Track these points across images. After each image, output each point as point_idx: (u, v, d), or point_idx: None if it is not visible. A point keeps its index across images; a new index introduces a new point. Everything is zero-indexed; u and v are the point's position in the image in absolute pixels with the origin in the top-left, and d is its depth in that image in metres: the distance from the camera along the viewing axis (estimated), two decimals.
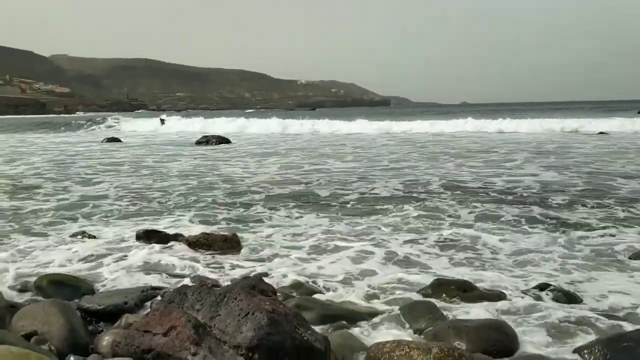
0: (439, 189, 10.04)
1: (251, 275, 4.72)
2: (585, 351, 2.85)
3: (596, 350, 2.80)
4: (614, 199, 8.61)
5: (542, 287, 4.21)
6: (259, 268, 5.16)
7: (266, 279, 4.67)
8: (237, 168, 14.21)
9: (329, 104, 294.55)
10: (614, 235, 6.28)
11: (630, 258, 5.28)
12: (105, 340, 2.85)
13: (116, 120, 44.54)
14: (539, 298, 4.13)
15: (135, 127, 40.49)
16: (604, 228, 6.72)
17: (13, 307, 3.39)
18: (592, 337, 3.27)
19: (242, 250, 5.79)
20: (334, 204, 8.73)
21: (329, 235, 6.51)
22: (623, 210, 7.66)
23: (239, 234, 6.31)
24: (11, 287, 4.47)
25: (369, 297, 4.41)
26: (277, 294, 4.07)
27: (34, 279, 4.53)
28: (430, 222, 7.23)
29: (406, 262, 5.41)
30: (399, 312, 3.93)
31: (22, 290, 4.40)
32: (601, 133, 25.45)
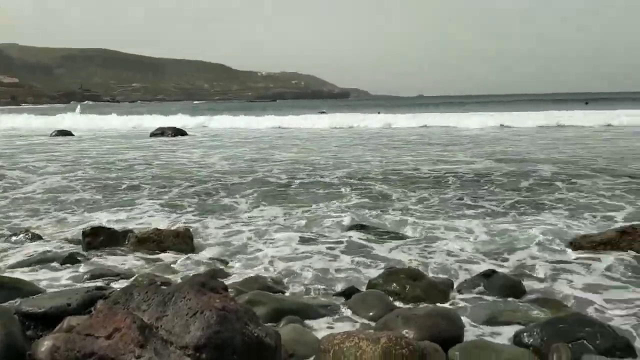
0: (381, 176, 10.43)
1: (202, 272, 4.67)
2: (524, 334, 2.96)
3: (534, 333, 2.91)
4: (542, 184, 9.18)
5: (488, 274, 4.33)
6: (211, 264, 5.11)
7: (219, 275, 4.66)
8: (188, 159, 14.09)
9: (289, 95, 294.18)
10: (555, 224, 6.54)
11: (571, 244, 5.47)
12: (44, 345, 2.74)
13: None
14: (484, 285, 4.25)
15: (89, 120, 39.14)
16: (547, 210, 7.08)
17: None
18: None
19: (195, 246, 5.73)
20: (284, 194, 8.81)
21: (279, 227, 6.54)
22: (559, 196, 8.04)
23: (193, 226, 6.25)
24: None
25: (321, 289, 4.45)
26: (230, 290, 4.05)
27: None
28: (375, 209, 7.41)
29: (356, 252, 5.49)
30: (350, 303, 3.98)
31: None
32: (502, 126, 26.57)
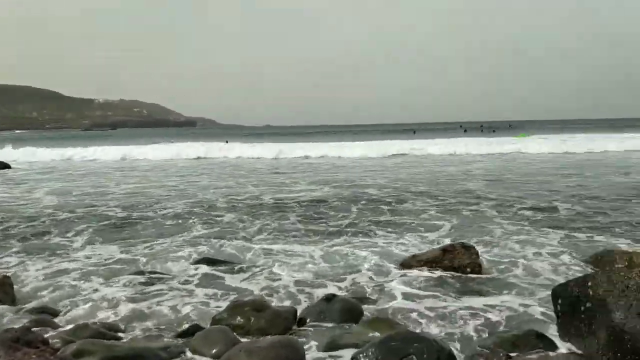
0: (226, 205, 10.51)
1: (25, 323, 4.16)
2: (360, 355, 3.11)
3: (369, 354, 3.08)
4: (370, 208, 9.94)
5: (328, 298, 4.50)
6: (36, 313, 4.58)
7: (45, 325, 4.19)
8: (11, 195, 12.67)
9: (131, 124, 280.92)
10: (391, 243, 7.07)
11: (401, 265, 5.93)
12: None
13: None
14: (325, 310, 4.40)
15: None
16: (376, 233, 7.64)
17: None
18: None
19: (16, 295, 5.10)
20: (123, 229, 8.35)
21: (117, 265, 6.16)
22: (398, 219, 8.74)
23: (14, 271, 5.59)
24: None
25: (163, 330, 4.24)
26: (55, 340, 3.66)
27: None
28: (222, 240, 7.39)
29: (203, 286, 5.35)
30: (193, 342, 3.84)
31: None
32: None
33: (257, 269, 5.95)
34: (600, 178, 14.49)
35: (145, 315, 4.57)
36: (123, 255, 6.65)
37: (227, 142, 39.76)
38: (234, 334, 3.91)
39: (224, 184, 14.63)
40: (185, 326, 4.22)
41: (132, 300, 4.91)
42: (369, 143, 33.15)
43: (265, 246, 6.94)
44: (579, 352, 3.31)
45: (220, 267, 5.95)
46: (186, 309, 4.72)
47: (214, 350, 3.65)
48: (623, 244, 6.76)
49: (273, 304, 4.61)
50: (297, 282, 5.42)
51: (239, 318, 4.21)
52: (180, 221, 8.93)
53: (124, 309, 4.70)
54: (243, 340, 3.84)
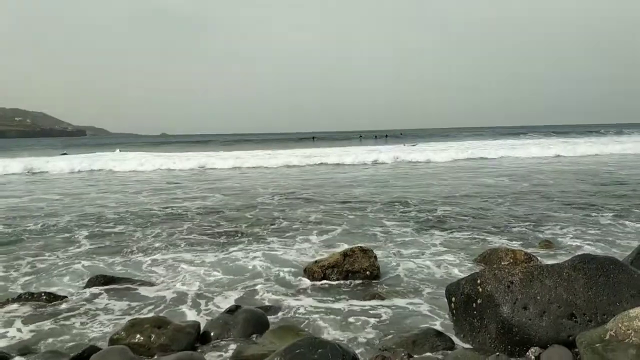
0: (117, 217, 10.11)
1: None
2: None
3: None
4: (262, 215, 10.01)
5: (232, 309, 4.42)
6: None
7: None
8: None
9: (13, 134, 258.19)
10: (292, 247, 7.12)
11: (305, 271, 5.99)
12: None
13: None
14: (230, 321, 4.33)
15: None
16: (271, 239, 7.70)
17: None
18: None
19: None
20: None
21: None
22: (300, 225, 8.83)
23: None
24: None
25: (55, 355, 3.93)
26: None
27: None
28: (114, 254, 7.06)
29: (95, 306, 5.04)
30: None
31: None
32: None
33: (156, 283, 5.72)
34: (473, 180, 15.72)
35: (35, 340, 4.22)
36: (4, 273, 6.10)
37: (119, 150, 38.11)
38: (134, 353, 3.72)
39: (114, 196, 13.95)
40: (80, 350, 3.94)
41: (23, 323, 4.53)
42: (265, 152, 33.30)
43: (159, 257, 6.74)
44: (474, 346, 3.53)
45: (114, 285, 5.63)
46: (80, 330, 4.43)
47: None
48: (499, 243, 7.33)
49: (174, 320, 4.45)
50: (198, 295, 5.29)
51: (138, 336, 4.01)
52: (67, 235, 8.37)
53: (13, 334, 4.32)
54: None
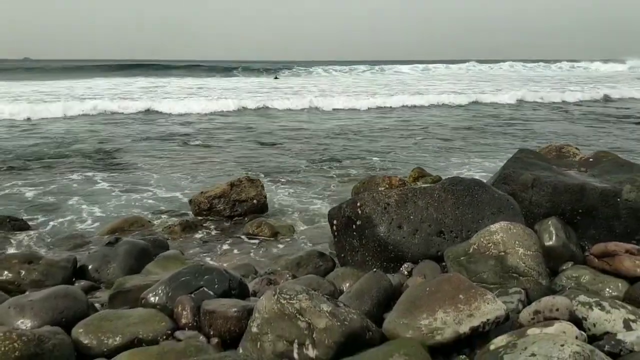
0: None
1: None
2: (150, 295, 3.03)
3: (159, 292, 3.02)
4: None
5: (112, 242, 4.25)
6: None
7: None
8: None
9: None
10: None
11: (189, 202, 5.90)
12: None
13: None
14: (111, 255, 4.17)
15: None
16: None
17: None
18: None
19: None
20: None
21: None
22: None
23: None
24: None
25: None
26: None
27: None
28: None
29: None
30: None
31: None
32: None
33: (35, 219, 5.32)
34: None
35: None
36: None
37: None
38: (1, 291, 3.47)
39: None
40: None
41: None
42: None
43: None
44: (353, 265, 3.74)
45: None
46: None
47: None
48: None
49: (47, 255, 4.19)
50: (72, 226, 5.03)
51: (6, 273, 3.75)
52: None
53: None
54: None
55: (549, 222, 3.64)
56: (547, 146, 5.91)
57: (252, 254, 4.56)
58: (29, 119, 14.65)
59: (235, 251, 4.65)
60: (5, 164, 8.28)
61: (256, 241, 4.90)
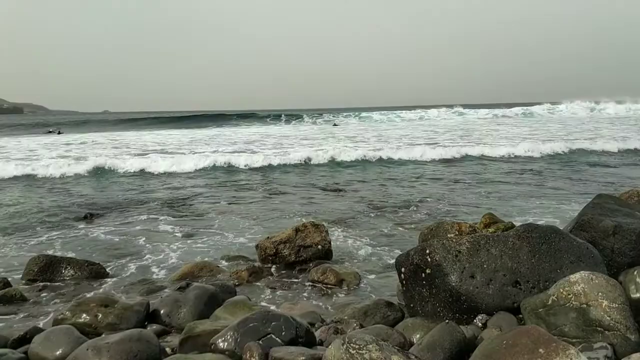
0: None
1: None
2: (219, 340, 3.06)
3: (228, 337, 3.04)
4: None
5: (183, 287, 4.34)
6: None
7: None
8: None
9: None
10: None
11: (256, 247, 5.97)
12: None
13: None
14: (182, 300, 4.25)
15: None
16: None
17: None
18: None
19: None
20: None
21: None
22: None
23: None
24: None
25: None
26: None
27: None
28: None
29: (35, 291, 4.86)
30: (32, 347, 3.45)
31: None
32: None
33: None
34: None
35: None
36: None
37: (58, 132, 36.33)
38: (79, 332, 3.60)
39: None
40: (22, 331, 3.78)
41: None
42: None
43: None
44: (423, 315, 3.62)
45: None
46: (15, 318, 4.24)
47: (57, 352, 3.32)
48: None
49: (122, 298, 4.33)
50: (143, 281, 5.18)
51: (84, 316, 3.89)
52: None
53: None
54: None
55: (635, 272, 3.40)
56: (627, 191, 5.58)
57: (317, 302, 4.51)
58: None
59: (301, 298, 4.62)
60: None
61: (321, 288, 4.85)
